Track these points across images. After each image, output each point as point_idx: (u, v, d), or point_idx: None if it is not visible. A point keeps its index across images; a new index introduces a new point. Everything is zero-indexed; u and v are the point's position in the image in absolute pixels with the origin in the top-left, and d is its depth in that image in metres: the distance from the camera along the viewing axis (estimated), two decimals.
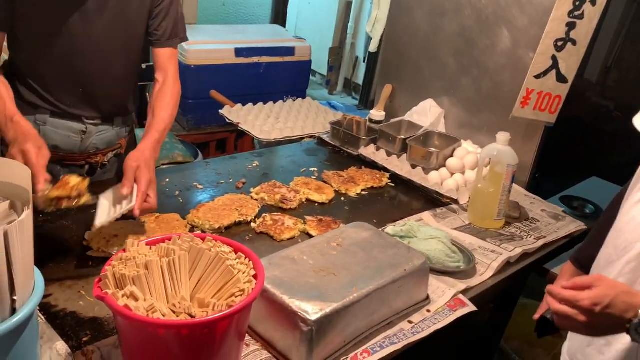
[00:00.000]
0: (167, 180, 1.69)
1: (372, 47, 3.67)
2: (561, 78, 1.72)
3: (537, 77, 1.72)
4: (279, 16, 4.33)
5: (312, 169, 1.90)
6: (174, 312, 0.85)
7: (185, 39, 1.67)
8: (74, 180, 1.27)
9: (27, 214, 0.77)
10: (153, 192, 1.30)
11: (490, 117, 1.99)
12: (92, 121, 1.59)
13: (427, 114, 2.10)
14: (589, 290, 0.97)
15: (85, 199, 1.27)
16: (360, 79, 5.14)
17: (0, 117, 1.30)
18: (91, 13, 1.41)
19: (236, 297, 0.89)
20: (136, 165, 1.30)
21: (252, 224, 1.49)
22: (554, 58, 1.70)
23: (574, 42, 1.67)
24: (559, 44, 1.67)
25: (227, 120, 2.33)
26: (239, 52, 3.24)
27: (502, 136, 1.55)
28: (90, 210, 1.45)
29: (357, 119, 2.07)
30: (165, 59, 1.58)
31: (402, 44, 2.25)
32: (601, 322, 0.96)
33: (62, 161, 1.56)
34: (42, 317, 1.04)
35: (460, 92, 2.07)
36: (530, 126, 1.86)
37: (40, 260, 0.86)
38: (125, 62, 1.57)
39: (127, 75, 1.61)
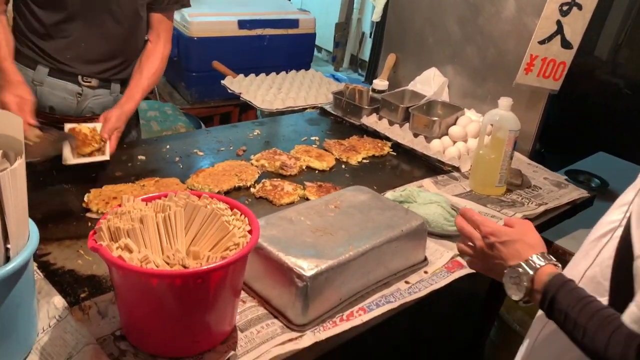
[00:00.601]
0: (168, 146, 1.69)
1: (375, 16, 3.62)
2: (566, 44, 1.69)
3: (542, 42, 1.69)
4: None
5: (313, 138, 1.89)
6: (168, 263, 0.85)
7: (187, 5, 1.68)
8: (85, 128, 1.41)
9: (20, 163, 0.77)
10: (115, 140, 1.47)
11: (494, 86, 1.96)
12: (88, 83, 1.58)
13: (430, 83, 2.07)
14: (498, 224, 0.98)
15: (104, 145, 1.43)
16: (366, 55, 5.09)
17: None
18: None
19: (230, 250, 0.89)
20: (117, 122, 1.45)
21: (252, 189, 1.49)
22: (558, 23, 1.66)
23: (579, 7, 1.64)
24: (564, 8, 1.64)
25: (229, 91, 2.32)
26: (242, 24, 3.21)
27: (505, 101, 1.53)
28: (90, 172, 1.47)
29: (359, 88, 2.06)
30: (159, 21, 1.62)
31: (406, 12, 2.22)
32: (490, 255, 0.95)
33: (57, 123, 1.56)
34: (40, 274, 1.05)
35: (464, 60, 2.05)
36: (534, 94, 1.83)
37: (40, 221, 0.87)
38: (127, 24, 1.57)
39: (127, 38, 1.60)
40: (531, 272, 0.86)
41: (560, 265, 0.88)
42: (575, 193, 1.67)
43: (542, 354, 0.94)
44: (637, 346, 0.68)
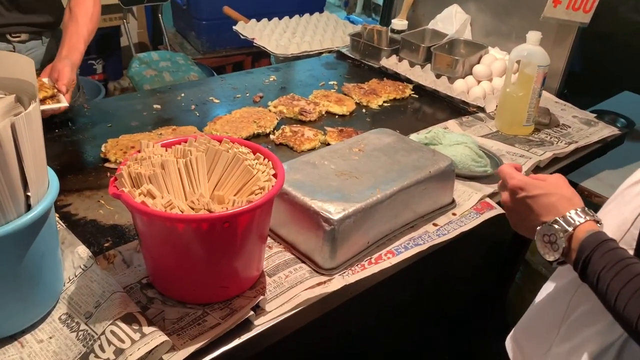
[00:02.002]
0: (182, 95, 1.65)
1: None
2: None
3: None
4: None
5: (331, 82, 1.83)
6: (192, 209, 0.82)
7: None
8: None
9: (34, 107, 0.73)
10: (71, 93, 1.35)
11: (519, 21, 1.87)
12: (18, 38, 1.49)
13: (452, 21, 1.98)
14: (529, 176, 0.88)
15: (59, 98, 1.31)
16: None
17: None
18: None
19: (256, 194, 0.86)
20: (71, 74, 1.34)
21: (271, 136, 1.45)
22: None
23: None
24: None
25: (242, 37, 2.24)
26: None
27: (533, 35, 1.45)
28: (106, 122, 1.44)
29: (377, 29, 1.97)
30: None
31: None
32: (519, 210, 0.86)
33: None
34: (63, 224, 1.03)
35: None
36: (563, 28, 1.74)
37: (58, 172, 0.84)
38: None
39: None
40: (570, 229, 0.77)
41: (602, 222, 0.79)
42: (605, 131, 1.61)
43: (555, 304, 0.89)
44: None
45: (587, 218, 0.78)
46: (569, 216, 0.79)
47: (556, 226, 0.79)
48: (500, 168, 0.95)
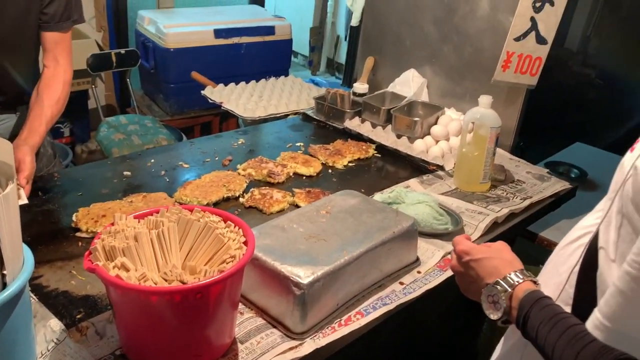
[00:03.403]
0: (152, 161, 1.68)
1: (354, 21, 3.67)
2: (541, 39, 1.73)
3: (517, 39, 1.73)
4: None
5: (298, 144, 1.90)
6: (165, 280, 0.85)
7: (80, 21, 1.55)
8: None
9: (12, 188, 0.76)
10: (31, 183, 1.32)
11: (472, 83, 1.99)
12: None
13: (409, 84, 2.10)
14: (473, 242, 0.97)
15: None
16: (342, 57, 5.12)
17: None
18: None
19: (227, 263, 0.89)
20: (31, 166, 1.30)
21: (241, 199, 1.49)
22: (532, 20, 1.70)
23: (551, 3, 1.67)
24: (537, 5, 1.68)
25: (210, 101, 2.31)
26: (218, 33, 3.21)
27: (485, 99, 1.55)
28: (76, 191, 1.46)
29: (340, 92, 2.07)
30: (53, 43, 1.48)
31: (382, 15, 2.24)
32: (465, 274, 0.94)
33: None
34: (34, 297, 1.04)
35: (441, 60, 2.08)
36: (512, 90, 1.87)
37: (29, 244, 0.86)
38: (21, 47, 1.47)
39: (22, 60, 1.50)
40: (509, 290, 0.84)
41: (539, 281, 0.87)
42: (558, 185, 1.71)
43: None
44: None
45: (525, 278, 0.85)
46: (509, 277, 0.86)
47: (498, 287, 0.86)
48: (454, 239, 1.02)
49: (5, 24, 1.40)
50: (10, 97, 1.53)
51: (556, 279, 0.85)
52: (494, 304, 0.86)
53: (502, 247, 0.95)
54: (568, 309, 0.78)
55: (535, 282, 0.85)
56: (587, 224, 0.84)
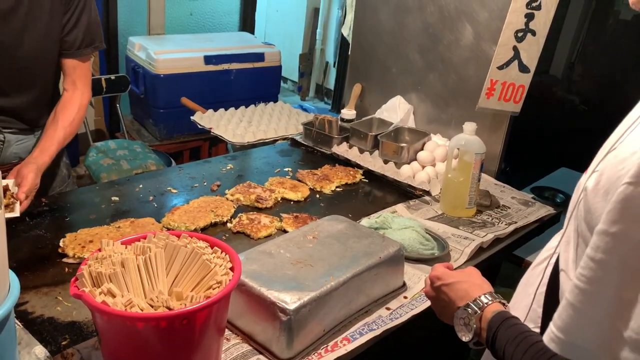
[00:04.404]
0: (141, 186, 1.69)
1: (345, 30, 3.73)
2: (523, 68, 1.77)
3: (500, 68, 1.77)
4: (247, 24, 4.35)
5: (286, 169, 1.92)
6: (152, 306, 0.85)
7: (101, 47, 1.60)
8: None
9: None
10: (30, 198, 1.35)
11: (457, 110, 2.03)
12: (9, 130, 1.52)
13: (396, 110, 2.13)
14: (446, 268, 1.01)
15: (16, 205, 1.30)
16: (331, 84, 5.18)
17: None
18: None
19: (214, 289, 0.90)
20: (34, 181, 1.35)
21: (229, 224, 1.50)
22: (515, 49, 1.75)
23: (533, 33, 1.72)
24: (519, 34, 1.73)
25: (199, 126, 2.33)
26: (208, 59, 3.25)
27: (469, 126, 1.59)
28: (64, 217, 1.46)
29: (328, 119, 2.10)
30: (72, 68, 1.54)
31: (369, 43, 2.29)
32: (438, 298, 0.98)
33: None
34: (19, 324, 1.03)
35: (427, 87, 2.12)
36: (496, 117, 1.91)
37: (15, 269, 0.86)
38: (40, 73, 1.51)
39: (42, 84, 1.54)
40: (479, 311, 0.88)
41: (507, 303, 0.90)
42: (542, 210, 1.74)
43: None
44: None
45: (494, 300, 0.89)
46: (479, 299, 0.89)
47: (469, 309, 0.89)
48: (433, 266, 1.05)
49: (25, 50, 1.43)
50: (28, 120, 1.55)
51: (525, 299, 0.88)
52: (465, 325, 0.89)
53: (472, 271, 0.99)
54: (537, 329, 0.80)
55: (504, 304, 0.89)
56: (553, 244, 0.88)
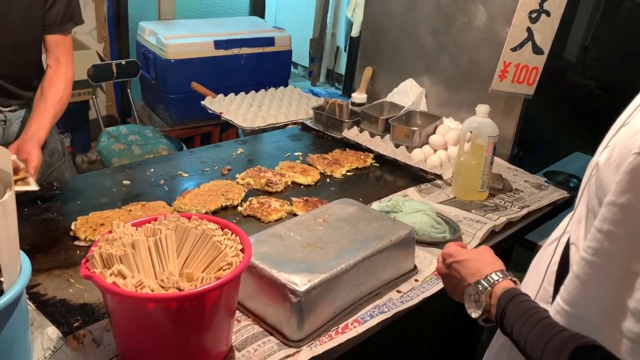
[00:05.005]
0: (152, 170, 1.69)
1: (354, 32, 3.69)
2: (537, 49, 1.74)
3: (514, 49, 1.74)
4: (257, 8, 4.33)
5: (296, 154, 1.91)
6: (162, 287, 0.86)
7: (80, 22, 1.62)
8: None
9: (10, 195, 0.77)
10: (37, 174, 1.38)
11: (470, 93, 2.01)
12: (8, 108, 1.56)
13: (408, 94, 2.11)
14: (458, 245, 1.00)
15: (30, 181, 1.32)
16: (342, 68, 5.15)
17: None
18: None
19: (224, 270, 0.90)
20: (38, 158, 1.37)
21: (239, 208, 1.50)
22: (528, 30, 1.71)
23: (547, 13, 1.69)
24: (533, 15, 1.69)
25: (210, 111, 2.33)
26: (218, 44, 3.23)
27: (482, 108, 1.56)
28: (75, 200, 1.46)
29: (339, 103, 2.08)
30: (55, 44, 1.55)
31: (380, 26, 2.26)
32: (450, 276, 0.97)
33: None
34: (32, 305, 1.04)
35: (439, 70, 2.09)
36: (510, 99, 1.88)
37: (28, 252, 0.87)
38: (27, 50, 1.54)
39: (29, 60, 1.57)
40: (489, 288, 0.87)
41: (518, 280, 0.89)
42: (555, 194, 1.71)
43: None
44: (568, 353, 0.69)
45: (505, 277, 0.88)
46: (489, 277, 0.89)
47: (479, 286, 0.89)
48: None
49: (9, 26, 1.46)
50: (24, 97, 1.59)
51: (536, 278, 0.88)
52: (475, 302, 0.89)
53: (484, 250, 0.99)
54: (548, 307, 0.79)
55: (514, 282, 0.88)
56: (566, 223, 0.86)
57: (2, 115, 1.55)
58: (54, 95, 1.53)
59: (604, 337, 0.69)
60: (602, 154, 0.73)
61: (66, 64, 1.57)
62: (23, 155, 1.36)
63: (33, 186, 1.30)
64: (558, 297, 0.73)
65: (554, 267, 0.84)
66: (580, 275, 0.70)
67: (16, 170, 1.31)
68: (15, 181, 1.31)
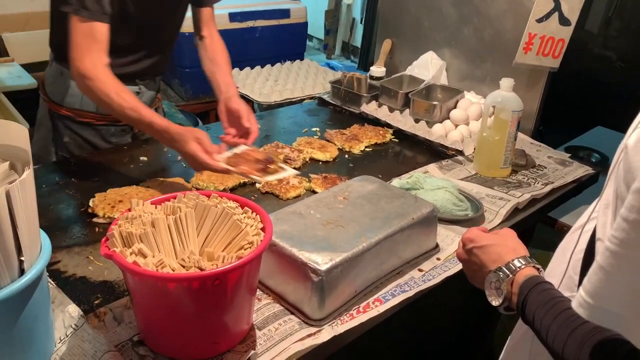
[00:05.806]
0: None
1: None
2: (564, 20, 1.68)
3: (539, 20, 1.68)
4: None
5: (314, 129, 1.88)
6: (183, 266, 0.84)
7: None
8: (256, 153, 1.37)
9: (28, 174, 0.76)
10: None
11: (493, 66, 1.95)
12: (143, 81, 1.65)
13: (428, 67, 2.06)
14: (479, 231, 0.96)
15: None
16: (358, 41, 5.06)
17: (142, 126, 1.34)
18: None
19: (245, 249, 0.88)
20: (241, 104, 1.47)
21: (257, 185, 1.48)
22: (555, 0, 1.65)
23: None
24: None
25: None
26: (233, 16, 3.17)
27: (506, 82, 1.51)
28: (93, 177, 1.45)
29: (357, 76, 2.04)
30: (209, 16, 1.68)
31: None
32: (471, 261, 0.94)
33: (113, 125, 1.61)
34: (53, 283, 1.04)
35: (461, 42, 2.03)
36: (534, 73, 1.82)
37: (47, 229, 0.86)
38: (175, 24, 1.67)
39: (174, 37, 1.71)
40: (511, 275, 0.84)
41: (541, 267, 0.86)
42: (580, 170, 1.67)
43: (518, 353, 0.93)
44: (590, 347, 0.66)
45: (528, 264, 0.85)
46: (511, 263, 0.85)
47: (500, 273, 0.85)
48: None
49: (177, 16, 1.62)
50: (159, 72, 1.72)
51: (562, 265, 0.84)
52: (496, 290, 0.86)
53: (507, 233, 0.94)
54: (573, 295, 0.76)
55: (538, 269, 0.85)
56: (591, 209, 0.82)
57: (137, 87, 1.62)
58: (223, 59, 1.62)
59: (630, 331, 0.66)
60: (631, 136, 0.68)
61: (217, 33, 1.68)
62: (235, 113, 1.45)
63: (290, 170, 1.33)
64: (581, 289, 0.70)
65: (579, 255, 0.80)
66: (605, 267, 0.66)
67: (271, 161, 1.33)
68: (273, 170, 1.32)
